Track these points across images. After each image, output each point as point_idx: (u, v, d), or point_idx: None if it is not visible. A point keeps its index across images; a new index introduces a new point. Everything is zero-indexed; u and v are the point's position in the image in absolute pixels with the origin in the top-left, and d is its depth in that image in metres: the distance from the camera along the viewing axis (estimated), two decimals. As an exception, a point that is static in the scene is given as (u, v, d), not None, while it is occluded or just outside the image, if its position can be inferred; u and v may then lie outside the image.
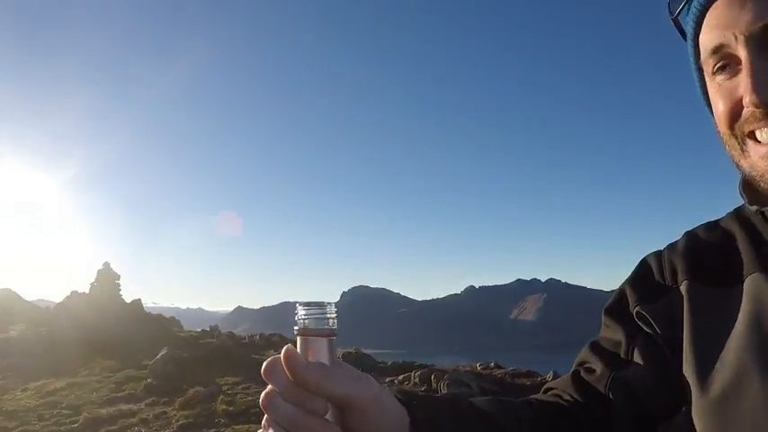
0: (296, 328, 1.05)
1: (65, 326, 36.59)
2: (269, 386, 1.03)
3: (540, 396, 1.66)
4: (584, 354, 1.66)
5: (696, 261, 1.53)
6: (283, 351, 1.01)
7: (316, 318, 1.05)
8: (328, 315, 1.06)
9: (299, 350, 1.04)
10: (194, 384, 20.29)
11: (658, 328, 1.52)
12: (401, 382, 20.79)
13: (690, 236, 1.61)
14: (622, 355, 1.55)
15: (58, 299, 46.11)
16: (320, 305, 1.06)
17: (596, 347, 1.63)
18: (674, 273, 1.55)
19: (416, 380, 20.56)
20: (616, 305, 1.65)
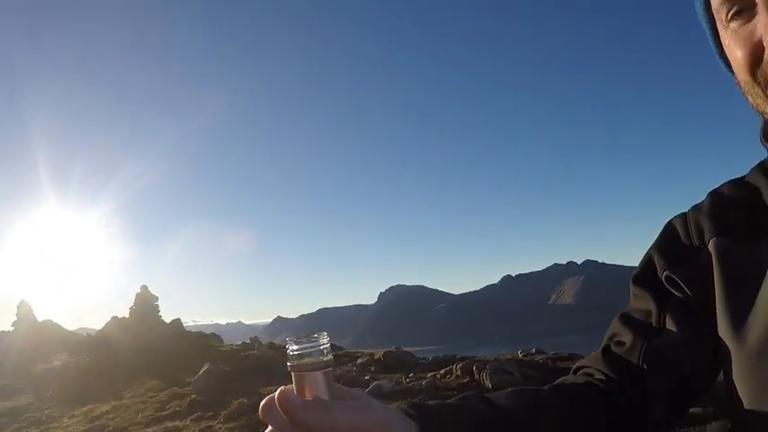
0: (289, 365, 1.02)
1: (107, 351, 37.04)
2: (269, 428, 1.01)
3: (569, 378, 1.63)
4: (614, 326, 1.62)
5: (722, 217, 1.49)
6: (277, 394, 0.99)
7: (308, 352, 1.02)
8: (321, 346, 1.02)
9: (294, 387, 1.01)
10: (238, 397, 20.41)
11: (689, 291, 1.48)
12: (443, 376, 20.75)
13: (714, 194, 1.57)
14: (654, 324, 1.51)
15: (99, 326, 46.68)
16: (311, 338, 1.03)
17: (626, 319, 1.59)
18: (700, 232, 1.51)
19: (458, 372, 20.49)
20: (643, 273, 1.60)
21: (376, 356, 26.39)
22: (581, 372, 1.62)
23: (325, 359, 1.01)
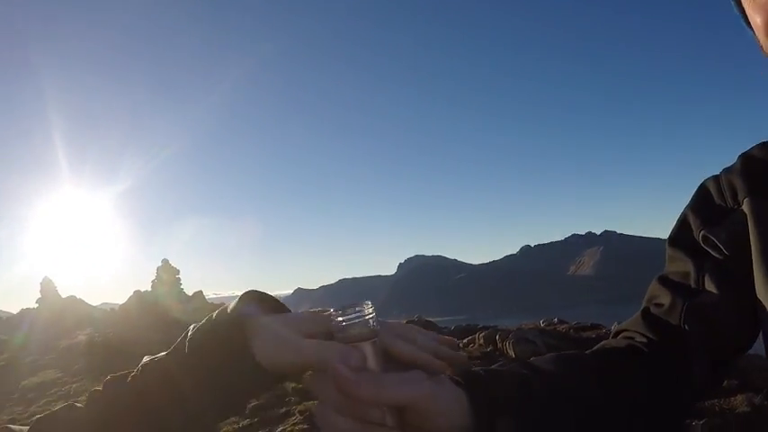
0: (336, 336, 1.01)
1: (130, 325, 37.24)
2: (319, 401, 1.01)
3: (610, 341, 1.63)
4: (653, 289, 1.62)
5: (755, 177, 1.50)
6: (332, 369, 0.96)
7: (355, 322, 1.00)
8: (368, 316, 1.00)
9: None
10: (261, 366, 20.58)
11: (727, 251, 1.48)
12: (466, 345, 20.72)
13: (745, 156, 1.58)
14: (693, 285, 1.51)
15: (121, 300, 46.95)
16: (357, 308, 1.01)
17: (665, 280, 1.60)
18: (734, 193, 1.52)
19: (481, 341, 20.44)
20: (680, 234, 1.62)
21: (399, 326, 26.41)
22: (621, 335, 1.63)
23: (372, 329, 1.00)
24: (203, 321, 1.17)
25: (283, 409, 15.76)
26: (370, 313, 1.00)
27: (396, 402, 0.97)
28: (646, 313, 1.57)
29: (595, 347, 1.58)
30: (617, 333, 1.66)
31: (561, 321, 23.23)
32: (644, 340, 1.52)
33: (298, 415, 14.94)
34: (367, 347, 0.99)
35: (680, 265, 1.57)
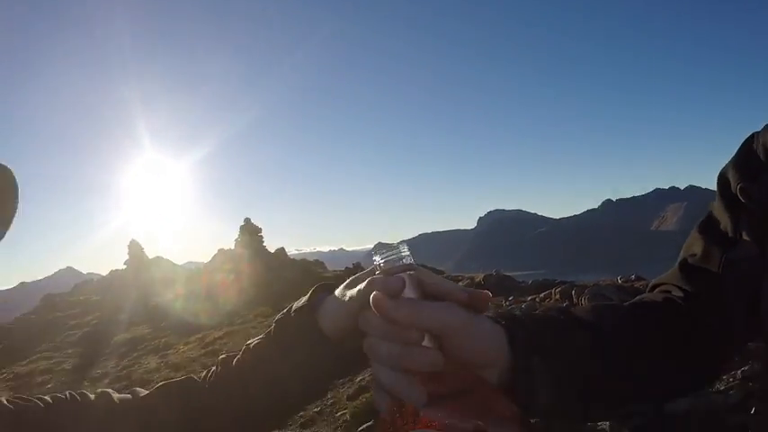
0: (377, 272, 1.11)
1: (215, 281, 38.05)
2: (366, 335, 1.07)
3: (646, 295, 1.64)
4: (692, 239, 1.62)
5: None
6: (371, 297, 1.03)
7: (391, 258, 1.09)
8: (402, 253, 1.10)
9: None
10: (343, 319, 20.90)
11: (759, 206, 1.46)
12: (542, 300, 20.60)
13: None
14: (731, 235, 1.50)
15: (206, 259, 47.88)
16: (391, 246, 1.11)
17: (703, 231, 1.59)
18: (766, 151, 1.50)
19: (557, 296, 20.29)
20: (719, 186, 1.59)
21: (476, 280, 26.43)
22: (658, 289, 1.63)
23: (406, 264, 1.08)
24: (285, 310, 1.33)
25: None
26: (405, 252, 1.10)
27: (433, 325, 1.03)
28: (683, 265, 1.57)
29: (632, 300, 1.59)
30: (654, 287, 1.67)
31: (639, 278, 22.78)
32: (681, 294, 1.53)
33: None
34: (404, 277, 1.06)
35: (719, 216, 1.56)
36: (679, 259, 1.61)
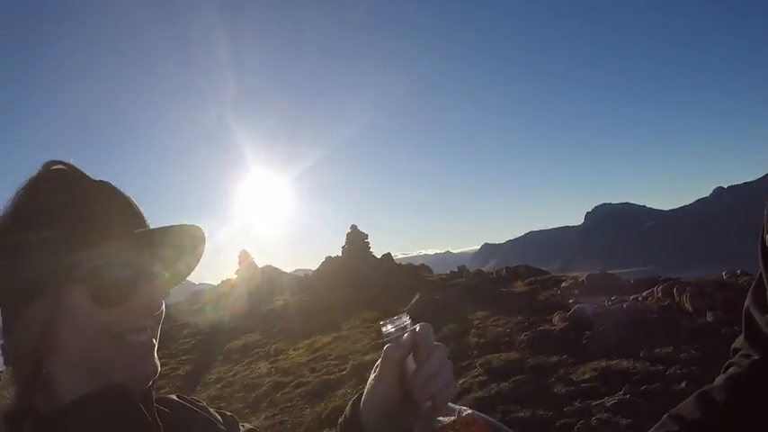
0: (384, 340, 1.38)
1: (323, 288, 38.53)
2: None
3: (735, 369, 1.67)
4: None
5: None
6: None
7: (397, 327, 1.38)
8: (405, 322, 1.38)
9: None
10: (448, 323, 21.08)
11: None
12: (645, 299, 20.56)
13: None
14: None
15: (315, 266, 48.47)
16: (394, 319, 1.39)
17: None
18: None
19: (659, 294, 20.20)
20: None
21: (580, 279, 26.32)
22: (739, 355, 1.69)
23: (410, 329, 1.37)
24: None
25: (466, 362, 16.24)
26: (408, 321, 1.38)
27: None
28: (748, 329, 1.68)
29: (725, 380, 1.65)
30: (734, 352, 1.74)
31: (744, 273, 22.29)
32: (752, 359, 1.62)
33: (479, 368, 15.41)
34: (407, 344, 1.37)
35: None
36: (743, 320, 1.72)
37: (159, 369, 1.44)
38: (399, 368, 1.35)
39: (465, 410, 1.30)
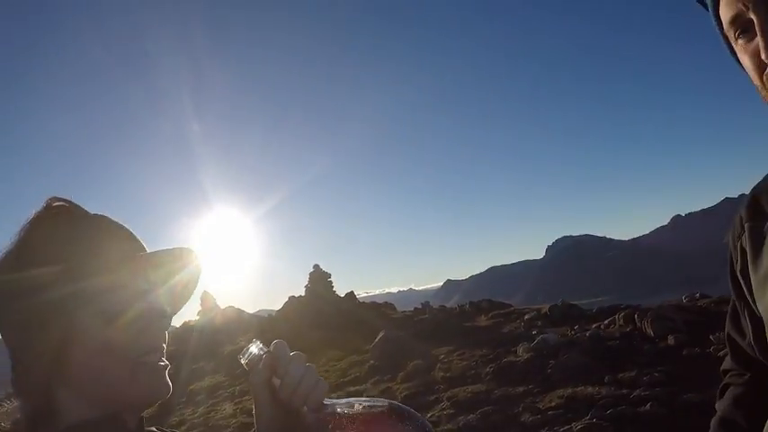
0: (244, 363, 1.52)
1: (287, 328, 38.21)
2: None
3: (736, 390, 1.86)
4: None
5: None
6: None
7: (254, 363, 1.51)
8: (259, 347, 1.52)
9: None
10: (413, 359, 21.14)
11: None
12: (606, 327, 20.91)
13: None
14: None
15: (277, 307, 48.14)
16: (245, 353, 1.52)
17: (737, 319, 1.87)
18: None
19: (621, 322, 20.61)
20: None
21: (542, 311, 26.67)
22: (730, 375, 1.90)
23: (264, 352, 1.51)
24: None
25: (433, 397, 16.30)
26: (260, 345, 1.52)
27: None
28: (733, 351, 1.89)
29: (734, 402, 1.84)
30: (724, 372, 1.96)
31: (703, 296, 22.75)
32: (745, 378, 1.82)
33: (446, 401, 15.48)
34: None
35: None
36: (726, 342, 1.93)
37: (171, 389, 1.53)
38: (269, 389, 1.49)
39: (344, 401, 1.44)
